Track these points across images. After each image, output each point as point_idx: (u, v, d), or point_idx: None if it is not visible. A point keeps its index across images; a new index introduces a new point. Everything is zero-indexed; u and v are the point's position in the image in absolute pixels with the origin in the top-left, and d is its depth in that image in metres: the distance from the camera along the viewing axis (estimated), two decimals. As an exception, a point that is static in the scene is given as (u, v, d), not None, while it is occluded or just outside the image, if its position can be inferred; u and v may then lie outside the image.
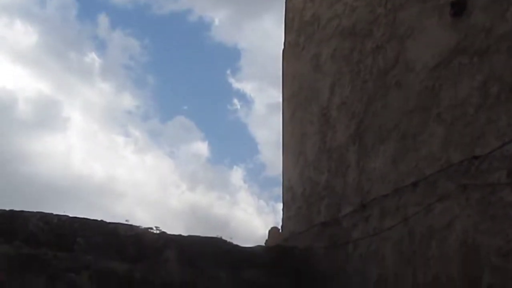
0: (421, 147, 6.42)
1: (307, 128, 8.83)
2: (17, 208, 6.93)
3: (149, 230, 7.42)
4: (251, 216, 30.00)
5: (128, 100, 36.40)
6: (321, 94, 8.54)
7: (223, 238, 7.88)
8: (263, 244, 8.90)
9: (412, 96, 6.68)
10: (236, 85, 39.02)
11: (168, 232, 7.52)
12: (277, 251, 8.12)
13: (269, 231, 9.48)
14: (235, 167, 34.92)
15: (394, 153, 6.84)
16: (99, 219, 7.25)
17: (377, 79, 7.35)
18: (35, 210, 7.01)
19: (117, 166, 33.85)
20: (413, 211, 6.34)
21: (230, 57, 38.02)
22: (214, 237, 7.80)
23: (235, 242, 7.90)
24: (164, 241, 7.35)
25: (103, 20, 36.20)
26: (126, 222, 7.37)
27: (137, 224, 7.45)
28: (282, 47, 10.04)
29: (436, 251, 5.96)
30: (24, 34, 33.96)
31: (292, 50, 9.70)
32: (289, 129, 9.47)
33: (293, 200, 8.95)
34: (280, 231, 9.27)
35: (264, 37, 33.80)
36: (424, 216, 6.17)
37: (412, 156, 6.53)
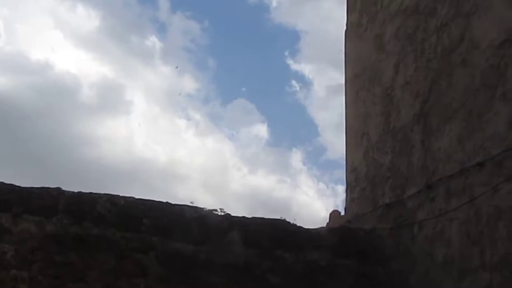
0: (487, 126, 6.35)
1: (371, 109, 8.81)
2: (83, 190, 7.12)
3: (214, 212, 7.50)
4: (311, 199, 29.97)
5: (189, 83, 36.68)
6: (384, 74, 8.51)
7: (286, 220, 7.92)
8: (324, 226, 8.88)
9: (477, 75, 6.60)
10: (295, 66, 38.97)
11: (232, 214, 7.59)
12: (342, 233, 8.12)
13: (330, 214, 9.46)
14: (294, 149, 34.87)
15: (459, 133, 6.78)
16: (164, 201, 7.38)
17: (441, 58, 7.29)
18: (101, 192, 7.17)
19: (178, 149, 34.21)
20: (479, 191, 6.29)
21: (289, 38, 37.86)
22: (278, 219, 7.84)
23: (298, 224, 7.92)
24: (229, 222, 7.42)
25: (163, 3, 36.66)
26: (191, 204, 7.48)
27: (202, 206, 7.54)
28: (344, 28, 10.01)
29: (504, 232, 5.90)
30: (86, 18, 34.70)
31: (354, 31, 9.66)
32: (352, 110, 9.46)
33: (356, 182, 8.96)
34: (342, 213, 9.29)
35: (324, 19, 33.61)
36: (491, 196, 6.12)
37: (478, 135, 6.47)
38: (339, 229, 8.38)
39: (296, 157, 34.02)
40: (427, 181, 7.21)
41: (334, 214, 9.43)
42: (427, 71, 7.55)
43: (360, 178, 8.87)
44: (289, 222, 7.89)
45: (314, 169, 36.51)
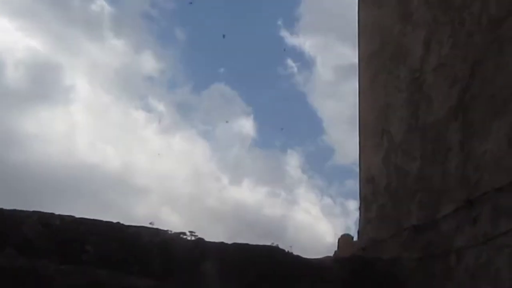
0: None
1: (393, 98, 8.80)
2: (6, 206, 6.96)
3: (181, 236, 7.45)
4: (314, 219, 30.04)
5: (149, 63, 36.56)
6: (411, 53, 8.48)
7: (279, 247, 7.88)
8: (331, 255, 8.87)
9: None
10: (291, 40, 38.81)
11: (206, 239, 7.53)
12: (354, 264, 8.11)
13: (340, 239, 9.57)
14: (290, 151, 34.89)
15: (511, 132, 6.66)
16: (114, 221, 7.29)
17: (487, 32, 7.19)
18: (30, 209, 7.04)
19: (136, 151, 34.12)
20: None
21: (284, 3, 37.68)
22: (267, 246, 7.80)
23: (295, 253, 7.89)
24: (201, 250, 7.36)
25: (114, -45, 36.53)
26: (150, 226, 7.42)
27: (165, 229, 7.46)
28: (358, -11, 10.05)
29: None
30: (12, -24, 34.50)
31: (371, -6, 9.68)
32: (369, 100, 9.46)
33: (374, 196, 8.95)
34: (355, 238, 9.31)
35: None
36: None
37: (537, 135, 6.37)
38: (350, 260, 8.35)
39: (293, 162, 34.11)
40: (468, 196, 7.09)
41: (344, 239, 9.46)
42: (467, 49, 7.44)
43: (379, 192, 8.83)
44: (283, 250, 7.85)
45: (317, 178, 36.55)
